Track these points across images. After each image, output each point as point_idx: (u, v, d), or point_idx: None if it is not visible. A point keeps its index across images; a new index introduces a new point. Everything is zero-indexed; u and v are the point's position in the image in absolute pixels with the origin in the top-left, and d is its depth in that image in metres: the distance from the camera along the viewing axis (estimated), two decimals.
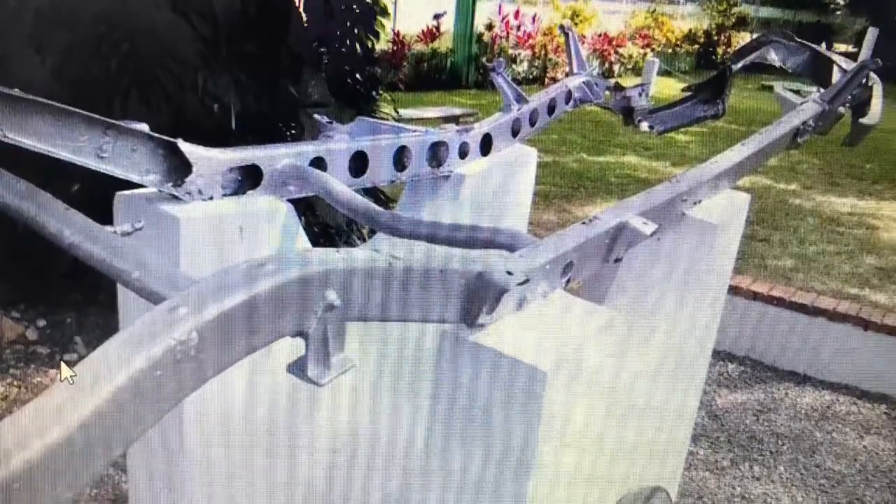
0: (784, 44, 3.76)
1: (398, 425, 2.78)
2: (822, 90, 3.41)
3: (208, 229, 2.04)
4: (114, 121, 1.88)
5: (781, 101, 3.49)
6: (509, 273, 1.58)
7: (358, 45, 6.51)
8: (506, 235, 1.94)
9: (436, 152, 2.73)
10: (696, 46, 26.89)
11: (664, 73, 18.30)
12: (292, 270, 1.28)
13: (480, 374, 1.64)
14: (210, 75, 5.38)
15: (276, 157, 2.23)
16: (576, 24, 21.92)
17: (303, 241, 2.32)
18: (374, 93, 6.82)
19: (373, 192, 5.54)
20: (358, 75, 6.53)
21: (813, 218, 10.15)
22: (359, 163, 2.46)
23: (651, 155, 13.08)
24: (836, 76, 3.51)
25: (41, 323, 5.68)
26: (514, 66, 20.08)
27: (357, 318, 1.43)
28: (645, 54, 23.21)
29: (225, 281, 1.23)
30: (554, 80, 17.68)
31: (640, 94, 3.66)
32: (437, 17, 20.10)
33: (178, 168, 2.02)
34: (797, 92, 3.69)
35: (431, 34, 19.85)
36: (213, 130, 4.80)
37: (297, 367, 1.38)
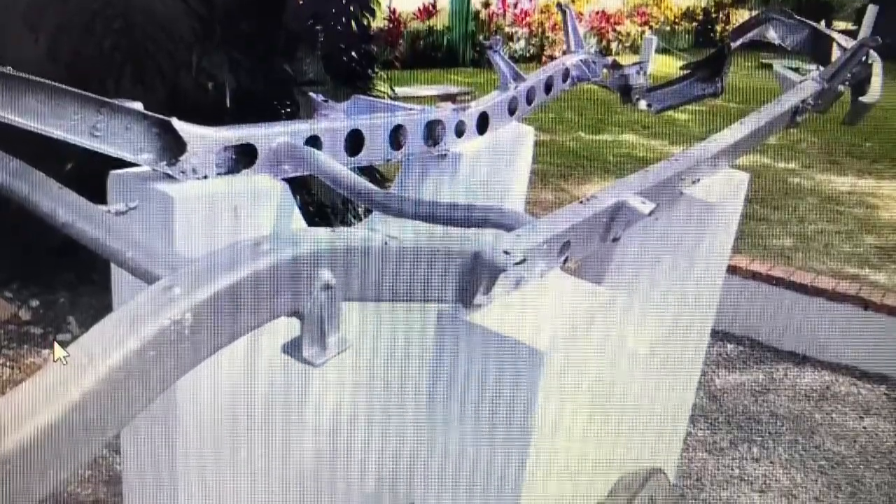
0: (783, 21, 3.73)
1: (395, 406, 2.78)
2: (821, 68, 3.39)
3: (203, 209, 2.03)
4: (107, 99, 1.86)
5: (780, 79, 3.47)
6: (506, 253, 1.58)
7: (353, 23, 6.48)
8: (502, 215, 1.93)
9: (432, 131, 2.71)
10: (695, 24, 26.80)
11: (662, 50, 18.30)
12: (287, 250, 1.27)
13: (477, 355, 1.63)
14: (204, 53, 5.35)
15: (271, 135, 2.21)
16: (573, 1, 21.83)
17: (298, 220, 2.31)
18: (369, 71, 6.80)
19: (369, 171, 5.53)
20: (354, 53, 6.50)
21: (812, 197, 10.14)
22: (354, 141, 2.44)
23: (649, 133, 13.05)
24: (835, 54, 3.50)
25: (34, 303, 5.67)
26: (511, 43, 20.02)
27: (353, 297, 1.42)
28: (643, 32, 23.13)
29: (219, 261, 1.22)
30: (551, 58, 17.59)
31: (637, 72, 3.64)
32: None
33: (173, 147, 2.01)
34: (796, 70, 3.67)
35: (428, 11, 19.77)
36: (207, 109, 4.78)
37: (293, 348, 1.37)
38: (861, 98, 3.51)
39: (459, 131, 2.81)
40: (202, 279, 1.16)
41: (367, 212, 3.46)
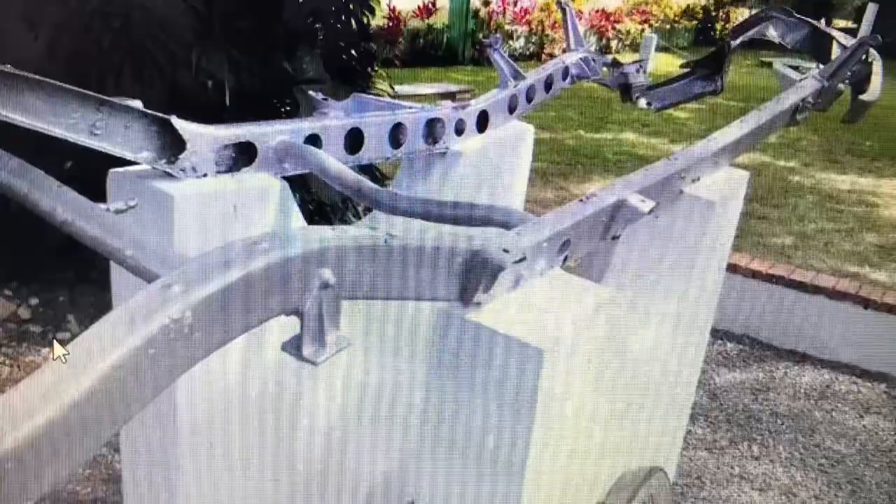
0: (783, 19, 3.73)
1: (395, 405, 2.78)
2: (821, 66, 3.39)
3: (202, 207, 2.03)
4: (107, 97, 1.86)
5: (781, 78, 3.47)
6: (506, 251, 1.57)
7: (353, 21, 6.47)
8: (502, 213, 1.93)
9: (432, 129, 2.71)
10: (695, 22, 26.76)
11: (662, 49, 18.26)
12: (287, 248, 1.27)
13: (477, 353, 1.63)
14: (204, 51, 5.34)
15: (270, 134, 2.21)
16: None
17: (297, 218, 2.30)
18: (369, 69, 6.79)
19: (369, 170, 5.52)
20: (353, 51, 6.50)
21: (812, 195, 10.13)
22: (354, 140, 2.44)
23: (649, 132, 13.04)
24: (835, 52, 3.49)
25: (33, 301, 5.67)
26: (510, 42, 20.00)
27: (352, 296, 1.42)
28: (643, 30, 23.11)
29: (219, 259, 1.22)
30: (551, 56, 17.61)
31: (637, 71, 3.63)
32: None
33: (172, 145, 2.00)
34: (796, 68, 3.67)
35: (427, 10, 19.75)
36: (207, 107, 4.78)
37: (292, 346, 1.37)
38: (861, 96, 3.51)
39: (459, 129, 2.81)
40: (201, 278, 1.16)
41: (367, 210, 3.46)
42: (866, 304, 5.84)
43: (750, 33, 3.73)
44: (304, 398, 2.49)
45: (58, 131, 1.79)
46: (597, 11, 22.67)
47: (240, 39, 5.51)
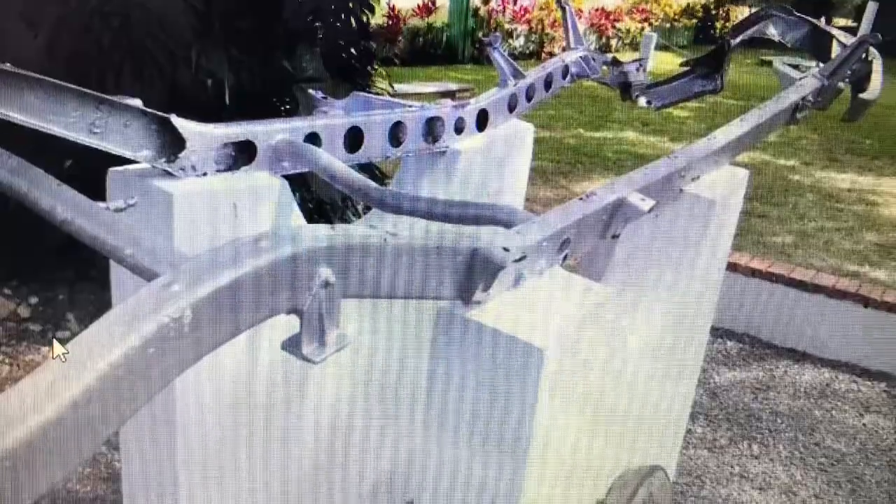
0: (783, 18, 3.73)
1: (395, 404, 2.78)
2: (821, 65, 3.38)
3: (202, 205, 2.02)
4: (106, 96, 1.86)
5: (781, 76, 3.46)
6: (506, 249, 1.57)
7: (353, 20, 6.47)
8: (502, 212, 1.92)
9: (431, 128, 2.71)
10: (695, 21, 26.81)
11: (662, 47, 18.27)
12: (287, 247, 1.27)
13: (477, 352, 1.63)
14: (204, 50, 5.34)
15: (270, 132, 2.21)
16: None
17: (297, 217, 2.30)
18: (369, 67, 6.79)
19: (368, 168, 5.52)
20: (353, 50, 6.50)
21: (812, 194, 10.14)
22: (354, 138, 2.44)
23: (649, 130, 13.05)
24: (835, 51, 3.49)
25: (33, 300, 5.67)
26: (510, 40, 20.03)
27: (352, 294, 1.41)
28: (643, 29, 23.14)
29: (219, 257, 1.21)
30: (551, 54, 17.61)
31: (637, 69, 3.63)
32: None
33: (172, 143, 2.00)
34: (796, 67, 3.67)
35: (427, 8, 19.77)
36: (206, 105, 4.78)
37: (292, 345, 1.36)
38: (861, 95, 3.51)
39: (459, 128, 2.81)
40: (201, 276, 1.16)
41: (367, 209, 3.46)
42: (866, 302, 5.84)
43: (750, 32, 3.73)
44: (302, 397, 2.49)
45: (57, 130, 1.78)
46: (596, 10, 22.70)
47: (240, 38, 5.52)
